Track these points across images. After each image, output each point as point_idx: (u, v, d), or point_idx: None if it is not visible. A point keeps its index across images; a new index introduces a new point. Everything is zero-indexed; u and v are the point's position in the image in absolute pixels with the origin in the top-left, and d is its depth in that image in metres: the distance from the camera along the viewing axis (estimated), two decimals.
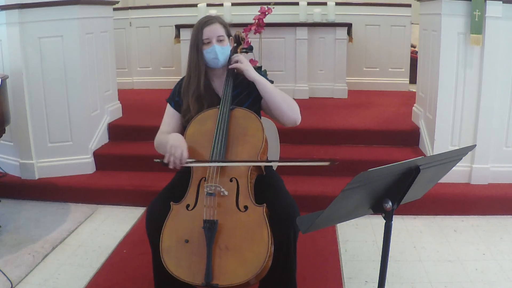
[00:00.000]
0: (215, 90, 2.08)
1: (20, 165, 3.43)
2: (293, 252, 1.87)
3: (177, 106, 2.08)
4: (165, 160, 1.82)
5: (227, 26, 2.07)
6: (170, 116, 2.10)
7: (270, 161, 1.97)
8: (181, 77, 2.16)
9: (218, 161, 1.79)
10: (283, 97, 2.00)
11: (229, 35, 2.07)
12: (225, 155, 1.83)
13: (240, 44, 2.21)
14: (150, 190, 3.20)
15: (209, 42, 1.99)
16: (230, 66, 2.03)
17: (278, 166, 2.24)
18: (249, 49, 2.25)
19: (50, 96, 3.38)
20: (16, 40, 3.21)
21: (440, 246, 2.70)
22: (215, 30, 2.00)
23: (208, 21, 2.01)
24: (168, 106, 2.11)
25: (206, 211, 1.73)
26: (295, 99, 2.04)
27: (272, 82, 2.10)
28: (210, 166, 1.81)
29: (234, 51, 2.15)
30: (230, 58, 2.07)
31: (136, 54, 5.68)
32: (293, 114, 1.98)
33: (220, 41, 2.00)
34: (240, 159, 1.83)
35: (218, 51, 1.99)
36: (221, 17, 2.08)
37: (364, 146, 3.68)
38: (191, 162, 1.82)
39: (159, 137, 2.04)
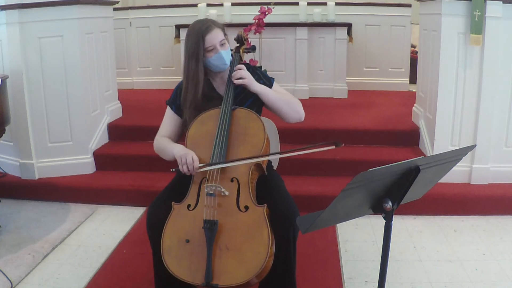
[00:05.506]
0: (217, 89, 2.08)
1: (20, 165, 3.43)
2: (292, 252, 1.87)
3: (177, 110, 2.07)
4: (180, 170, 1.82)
5: (224, 28, 2.04)
6: (169, 119, 2.09)
7: (274, 153, 1.97)
8: (181, 78, 2.15)
9: (227, 162, 1.78)
10: (285, 101, 2.03)
11: (225, 34, 2.05)
12: (226, 156, 1.83)
13: (243, 44, 2.21)
14: (150, 190, 3.21)
15: (213, 49, 1.96)
16: (235, 81, 1.99)
17: (278, 166, 2.24)
18: (252, 49, 2.24)
19: (50, 96, 3.38)
20: (16, 40, 3.21)
21: (440, 246, 2.70)
22: (217, 36, 1.97)
23: (207, 28, 1.96)
24: (168, 109, 2.10)
25: (206, 211, 1.74)
26: None
27: (273, 79, 2.11)
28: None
29: (236, 51, 2.15)
30: (232, 63, 2.06)
31: (136, 54, 5.67)
32: (296, 114, 2.05)
33: (222, 45, 1.99)
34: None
35: (225, 56, 1.99)
36: (215, 20, 2.04)
37: (364, 146, 3.68)
38: (203, 167, 1.80)
39: (160, 141, 2.03)
